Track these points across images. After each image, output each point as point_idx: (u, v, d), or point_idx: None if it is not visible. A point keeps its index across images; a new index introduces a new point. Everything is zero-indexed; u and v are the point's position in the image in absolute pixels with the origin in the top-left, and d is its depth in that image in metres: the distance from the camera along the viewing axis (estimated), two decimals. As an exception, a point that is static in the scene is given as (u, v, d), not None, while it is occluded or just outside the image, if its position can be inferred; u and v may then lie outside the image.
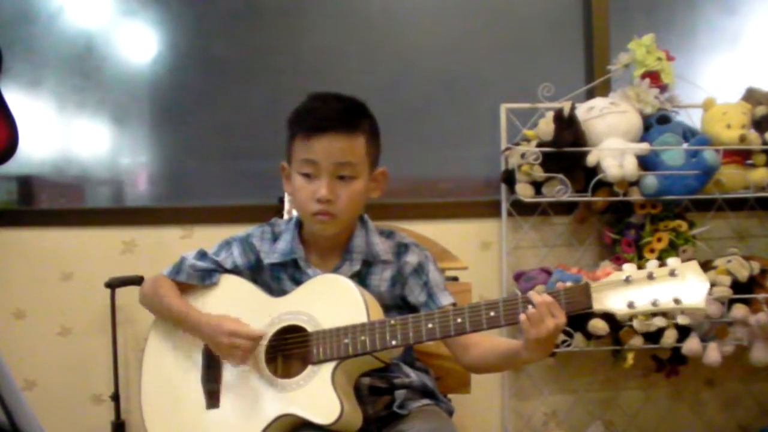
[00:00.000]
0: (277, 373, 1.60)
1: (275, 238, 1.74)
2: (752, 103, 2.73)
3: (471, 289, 1.97)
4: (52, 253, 2.74)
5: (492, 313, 1.48)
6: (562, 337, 2.59)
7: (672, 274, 1.39)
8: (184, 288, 1.74)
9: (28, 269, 2.74)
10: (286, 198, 2.31)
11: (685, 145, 2.64)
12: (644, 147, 2.60)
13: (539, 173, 2.61)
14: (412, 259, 1.71)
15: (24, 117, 2.65)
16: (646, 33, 2.73)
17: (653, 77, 2.72)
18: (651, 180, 2.59)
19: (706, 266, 2.58)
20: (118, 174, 2.90)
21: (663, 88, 2.74)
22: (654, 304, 1.40)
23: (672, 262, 1.41)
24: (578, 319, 2.53)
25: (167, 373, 1.71)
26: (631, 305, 1.41)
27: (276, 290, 1.70)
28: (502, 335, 2.51)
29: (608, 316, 2.51)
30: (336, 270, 1.67)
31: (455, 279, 2.22)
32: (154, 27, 2.91)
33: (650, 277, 1.40)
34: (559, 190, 2.61)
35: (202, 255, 1.74)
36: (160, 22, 2.91)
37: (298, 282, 1.67)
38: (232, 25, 2.91)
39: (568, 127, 2.60)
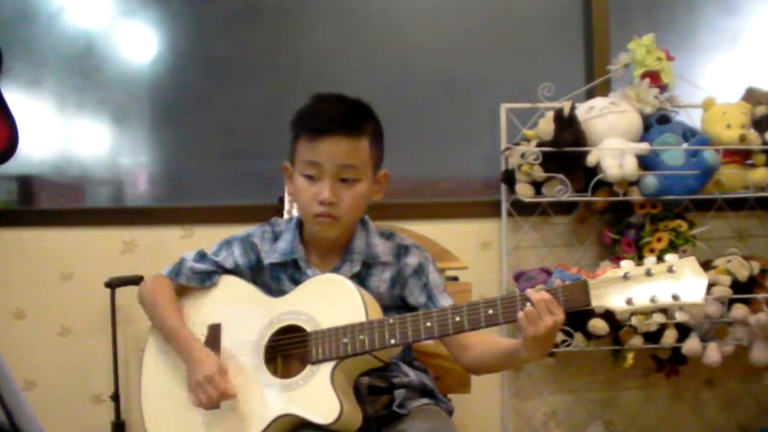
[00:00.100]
0: (276, 373, 1.60)
1: (276, 237, 1.73)
2: (752, 103, 2.73)
3: (471, 289, 1.97)
4: (52, 253, 2.74)
5: (490, 311, 1.48)
6: (561, 336, 2.59)
7: (670, 270, 1.39)
8: (184, 288, 1.74)
9: (28, 269, 2.74)
10: (286, 198, 2.31)
11: (685, 145, 2.64)
12: (644, 147, 2.60)
13: (539, 173, 2.61)
14: (412, 260, 1.71)
15: (24, 117, 2.65)
16: (646, 33, 2.74)
17: (653, 77, 2.72)
18: (651, 180, 2.60)
19: (706, 266, 2.58)
20: (118, 174, 2.91)
21: (663, 88, 2.74)
22: (652, 300, 1.39)
23: (670, 258, 1.40)
24: (578, 319, 2.53)
25: (167, 373, 1.70)
26: (629, 302, 1.41)
27: (275, 290, 1.70)
28: (502, 334, 2.51)
29: (608, 316, 2.51)
30: (336, 271, 1.67)
31: (455, 279, 2.23)
32: (154, 27, 2.92)
33: (648, 273, 1.40)
34: (559, 190, 2.61)
35: (201, 256, 1.74)
36: (160, 22, 2.91)
37: (297, 282, 1.67)
38: (232, 25, 2.91)
39: (568, 127, 2.60)
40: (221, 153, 2.90)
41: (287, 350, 1.62)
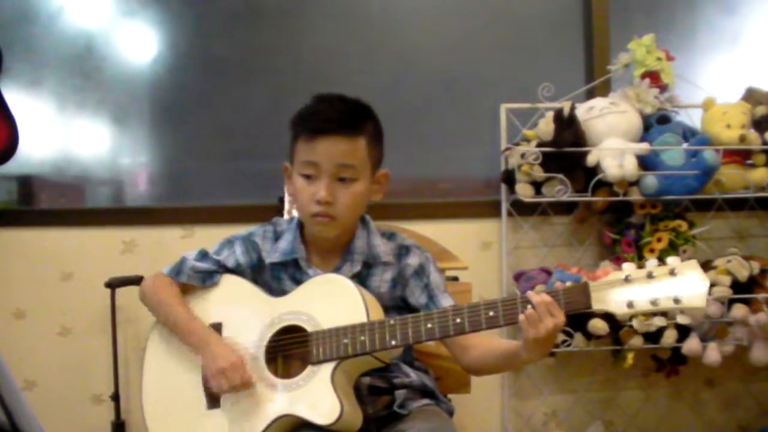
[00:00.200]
0: (277, 373, 1.60)
1: (277, 237, 1.73)
2: (752, 103, 2.73)
3: (471, 289, 1.97)
4: (52, 253, 2.74)
5: (491, 313, 1.48)
6: (562, 337, 2.59)
7: (672, 273, 1.39)
8: (185, 288, 1.74)
9: (28, 269, 2.74)
10: (286, 198, 2.31)
11: (685, 145, 2.64)
12: (644, 147, 2.60)
13: (539, 173, 2.61)
14: (413, 260, 1.71)
15: (24, 117, 2.65)
16: (646, 33, 2.74)
17: (653, 77, 2.72)
18: (651, 180, 2.60)
19: (706, 266, 2.58)
20: (118, 174, 2.91)
21: (663, 88, 2.74)
22: (653, 303, 1.39)
23: (672, 261, 1.40)
24: (578, 319, 2.53)
25: (168, 373, 1.70)
26: (630, 305, 1.40)
27: (276, 290, 1.70)
28: (502, 335, 2.51)
29: (608, 316, 2.51)
30: (336, 270, 1.67)
31: (455, 279, 2.23)
32: (154, 27, 2.92)
33: (650, 276, 1.40)
34: (559, 190, 2.61)
35: (203, 255, 1.74)
36: (160, 22, 2.91)
37: (298, 282, 1.67)
38: (232, 25, 2.91)
39: (568, 127, 2.60)
40: (221, 153, 2.90)
41: (288, 350, 1.62)
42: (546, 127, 2.62)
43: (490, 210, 2.86)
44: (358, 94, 1.68)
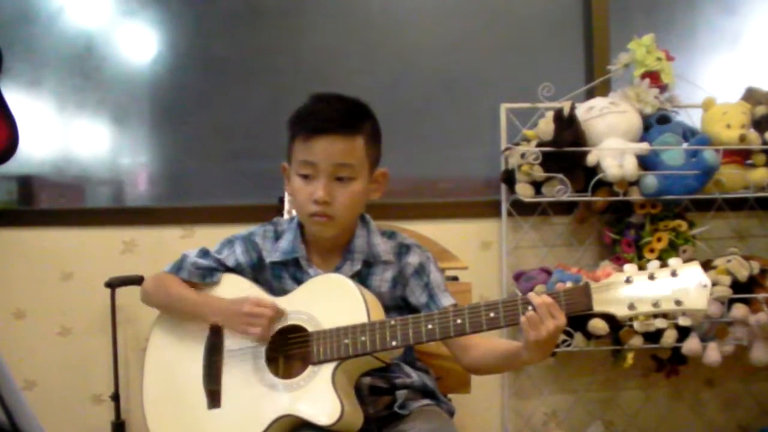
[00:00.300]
0: (277, 373, 1.60)
1: (277, 236, 1.74)
2: (752, 103, 2.73)
3: (471, 289, 1.97)
4: (52, 253, 2.74)
5: (492, 315, 1.48)
6: (562, 337, 2.59)
7: (673, 274, 1.38)
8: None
9: (28, 269, 2.74)
10: (286, 198, 2.32)
11: (685, 145, 2.64)
12: (644, 147, 2.60)
13: (539, 173, 2.61)
14: (413, 260, 1.71)
15: (24, 117, 2.65)
16: (646, 33, 2.74)
17: (653, 77, 2.72)
18: (651, 180, 2.60)
19: (706, 266, 2.57)
20: (118, 174, 2.91)
21: (663, 88, 2.74)
22: (655, 305, 1.39)
23: (673, 262, 1.40)
24: (578, 319, 2.53)
25: (169, 373, 1.71)
26: (631, 306, 1.40)
27: (277, 289, 1.70)
28: (503, 336, 2.51)
29: (608, 316, 2.51)
30: (337, 270, 1.67)
31: (455, 279, 2.23)
32: (154, 27, 2.91)
33: (651, 277, 1.40)
34: (559, 190, 2.61)
35: (204, 253, 1.74)
36: (160, 22, 2.91)
37: (299, 281, 1.67)
38: (232, 25, 2.91)
39: (568, 127, 2.60)
40: (221, 153, 2.90)
41: (289, 350, 1.62)
42: (546, 127, 2.62)
43: (490, 210, 2.86)
44: (358, 94, 1.68)
